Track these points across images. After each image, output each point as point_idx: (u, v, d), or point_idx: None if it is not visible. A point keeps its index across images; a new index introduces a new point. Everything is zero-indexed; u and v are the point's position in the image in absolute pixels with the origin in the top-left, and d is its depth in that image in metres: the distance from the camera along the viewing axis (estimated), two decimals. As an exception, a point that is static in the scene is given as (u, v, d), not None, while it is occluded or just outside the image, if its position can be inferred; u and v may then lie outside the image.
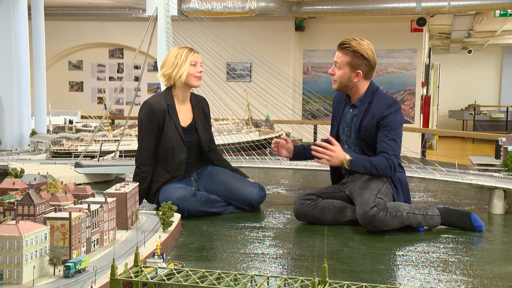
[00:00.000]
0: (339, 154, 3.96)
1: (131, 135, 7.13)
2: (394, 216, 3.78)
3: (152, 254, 2.76)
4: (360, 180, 4.07)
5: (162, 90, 4.64)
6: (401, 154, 4.92)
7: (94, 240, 2.91)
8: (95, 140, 6.82)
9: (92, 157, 6.12)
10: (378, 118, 4.03)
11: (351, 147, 4.21)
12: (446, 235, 3.81)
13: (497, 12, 11.59)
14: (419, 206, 3.95)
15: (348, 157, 3.94)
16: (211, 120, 4.93)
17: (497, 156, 5.66)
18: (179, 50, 4.44)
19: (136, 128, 7.31)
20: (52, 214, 2.74)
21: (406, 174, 4.71)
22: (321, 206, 4.06)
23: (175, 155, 4.40)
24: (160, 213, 3.41)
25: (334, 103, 4.42)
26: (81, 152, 6.13)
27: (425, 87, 14.06)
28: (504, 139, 5.11)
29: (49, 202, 3.04)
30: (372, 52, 4.11)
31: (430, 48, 16.25)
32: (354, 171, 4.06)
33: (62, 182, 3.50)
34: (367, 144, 4.11)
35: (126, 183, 3.57)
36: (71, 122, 8.71)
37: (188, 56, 4.39)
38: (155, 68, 12.77)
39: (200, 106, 4.62)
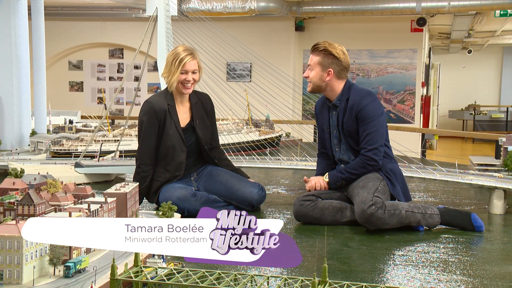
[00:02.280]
0: (317, 180, 4.28)
1: (131, 135, 7.13)
2: (392, 214, 3.79)
3: (152, 254, 2.76)
4: (357, 180, 4.10)
5: (161, 90, 4.64)
6: (401, 154, 4.95)
7: (94, 240, 2.91)
8: (95, 140, 6.82)
9: (92, 157, 6.12)
10: (356, 112, 4.12)
11: (342, 147, 4.28)
12: (446, 235, 3.82)
13: (497, 12, 11.58)
14: (418, 205, 3.95)
15: (325, 179, 4.24)
16: None
17: (497, 156, 5.66)
18: (176, 56, 4.35)
19: (136, 128, 7.33)
20: (52, 215, 2.74)
21: (407, 174, 4.77)
22: (321, 206, 4.07)
23: (175, 155, 4.40)
24: (160, 213, 3.41)
25: (317, 111, 4.48)
26: (81, 152, 6.13)
27: (425, 87, 14.06)
28: (504, 139, 5.11)
29: (49, 202, 3.04)
30: (343, 53, 4.23)
31: (430, 48, 16.24)
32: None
33: (62, 182, 3.50)
34: (354, 140, 4.19)
35: (126, 183, 3.57)
36: (71, 122, 8.72)
37: (181, 64, 4.31)
38: (155, 68, 12.78)
39: (200, 104, 4.58)
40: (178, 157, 4.41)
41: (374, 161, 4.08)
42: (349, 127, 4.15)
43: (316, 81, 4.23)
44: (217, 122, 4.82)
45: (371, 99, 4.13)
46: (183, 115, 4.49)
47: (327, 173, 4.27)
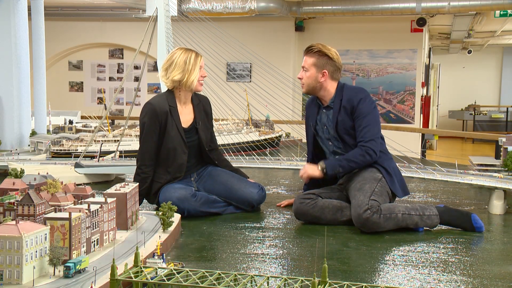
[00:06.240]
0: (310, 168, 4.27)
1: (131, 135, 7.13)
2: (388, 218, 3.79)
3: (152, 255, 2.76)
4: (355, 180, 4.12)
5: (162, 91, 4.64)
6: (401, 154, 4.96)
7: (94, 241, 2.91)
8: (95, 140, 6.82)
9: (92, 157, 6.12)
10: (350, 108, 4.22)
11: (335, 143, 4.35)
12: (446, 235, 3.82)
13: (497, 12, 11.60)
14: (416, 206, 3.95)
15: (321, 167, 4.20)
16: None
17: (497, 157, 5.66)
18: (187, 54, 4.38)
19: (136, 129, 7.33)
20: (52, 214, 2.74)
21: (407, 174, 4.79)
22: (321, 205, 4.07)
23: (176, 157, 4.39)
24: (160, 213, 3.41)
25: (307, 107, 4.57)
26: (81, 152, 6.13)
27: (425, 87, 14.07)
28: (504, 140, 5.11)
29: (49, 202, 3.04)
30: (336, 54, 4.35)
31: (430, 48, 16.25)
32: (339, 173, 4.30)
33: (62, 182, 3.50)
34: (351, 137, 4.25)
35: (126, 183, 3.57)
36: (71, 122, 8.72)
37: (197, 61, 4.38)
38: (155, 68, 12.77)
39: (201, 105, 4.60)
40: (179, 158, 4.41)
41: (373, 151, 4.15)
42: (345, 124, 4.23)
43: (311, 82, 4.31)
44: (217, 122, 4.84)
45: (363, 95, 4.25)
46: (186, 116, 4.49)
47: (321, 162, 4.26)
